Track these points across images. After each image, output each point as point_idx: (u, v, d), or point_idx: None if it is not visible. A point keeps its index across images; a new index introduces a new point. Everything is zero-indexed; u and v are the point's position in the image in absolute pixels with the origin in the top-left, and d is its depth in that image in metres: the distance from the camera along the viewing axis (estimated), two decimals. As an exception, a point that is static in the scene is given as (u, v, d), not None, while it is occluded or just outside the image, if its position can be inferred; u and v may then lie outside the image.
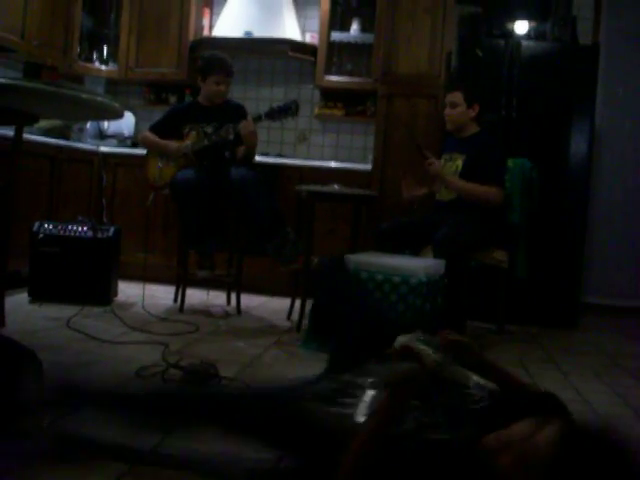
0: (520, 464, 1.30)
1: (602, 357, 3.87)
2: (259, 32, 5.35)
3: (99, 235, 4.14)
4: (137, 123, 5.78)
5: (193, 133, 4.21)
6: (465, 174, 3.88)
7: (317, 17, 5.55)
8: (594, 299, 5.44)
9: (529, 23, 4.85)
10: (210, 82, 4.20)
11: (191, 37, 5.53)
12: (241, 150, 4.17)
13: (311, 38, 5.55)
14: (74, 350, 3.01)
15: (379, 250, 3.77)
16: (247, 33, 5.36)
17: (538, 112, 4.68)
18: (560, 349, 3.97)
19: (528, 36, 4.82)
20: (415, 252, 3.90)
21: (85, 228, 4.15)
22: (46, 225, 4.14)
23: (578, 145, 4.67)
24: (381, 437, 1.47)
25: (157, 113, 5.71)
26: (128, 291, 4.47)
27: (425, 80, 4.94)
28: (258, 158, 4.72)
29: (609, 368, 3.58)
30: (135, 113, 5.77)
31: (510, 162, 4.19)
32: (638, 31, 5.51)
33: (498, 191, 3.83)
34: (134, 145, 5.60)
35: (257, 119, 4.07)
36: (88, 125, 5.46)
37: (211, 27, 5.74)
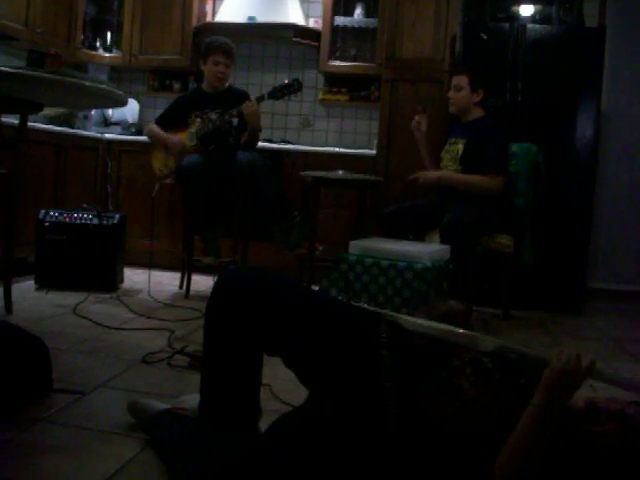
0: (625, 431, 1.42)
1: (608, 342, 3.86)
2: (262, 17, 5.33)
3: (104, 222, 4.15)
4: (141, 110, 5.78)
5: (198, 120, 4.21)
6: (465, 158, 3.88)
7: (321, 2, 5.52)
8: (600, 284, 5.44)
9: (534, 6, 4.81)
10: (210, 63, 4.22)
11: (194, 23, 5.51)
12: (245, 135, 4.17)
13: (315, 23, 5.52)
14: (81, 337, 3.02)
15: (383, 235, 3.77)
16: (250, 18, 5.33)
17: (544, 96, 4.65)
18: (566, 334, 3.97)
19: (533, 19, 4.79)
20: (419, 237, 3.90)
21: (90, 215, 4.15)
22: (52, 213, 4.15)
23: (584, 129, 4.64)
24: (545, 441, 1.37)
25: (161, 100, 5.73)
26: (134, 278, 4.49)
27: (429, 64, 4.92)
28: (262, 144, 4.72)
29: (615, 353, 3.57)
30: (139, 100, 5.76)
31: (516, 147, 4.17)
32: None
33: (496, 180, 3.81)
34: (138, 132, 5.60)
35: (260, 99, 4.09)
36: (92, 112, 5.45)
37: (214, 13, 5.71)
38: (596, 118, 4.64)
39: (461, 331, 1.55)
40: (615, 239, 5.55)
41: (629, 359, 3.47)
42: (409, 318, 1.62)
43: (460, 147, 3.94)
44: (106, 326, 3.24)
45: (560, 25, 4.75)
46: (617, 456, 1.46)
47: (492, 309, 4.33)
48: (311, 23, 5.55)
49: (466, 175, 3.86)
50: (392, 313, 1.66)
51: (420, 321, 1.59)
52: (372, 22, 5.38)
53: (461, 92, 3.97)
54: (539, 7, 4.81)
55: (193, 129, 4.20)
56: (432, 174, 3.96)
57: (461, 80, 3.97)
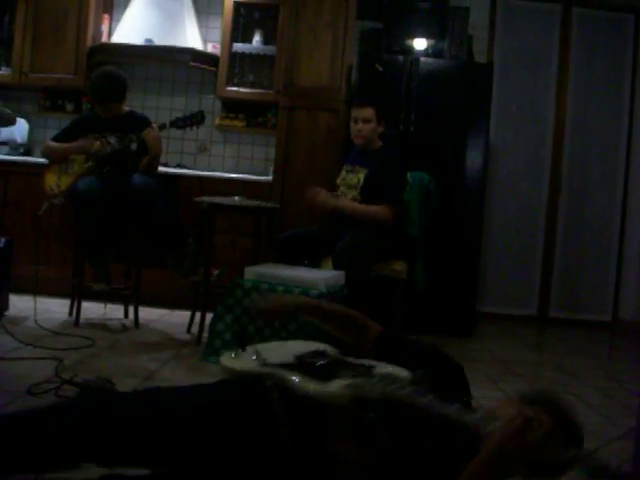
0: None
1: (497, 364, 4.01)
2: (160, 40, 5.27)
3: (-12, 247, 3.96)
4: (31, 130, 5.57)
5: (97, 143, 4.12)
6: (366, 188, 3.95)
7: (219, 27, 5.52)
8: (489, 308, 5.64)
9: (427, 40, 4.99)
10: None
11: (89, 43, 5.37)
12: (145, 160, 4.11)
13: (213, 48, 5.51)
14: (-40, 368, 2.87)
15: (279, 261, 3.78)
16: (147, 41, 5.26)
17: (436, 127, 4.82)
18: (457, 357, 3.99)
19: (426, 53, 4.96)
20: (315, 263, 3.93)
21: (-27, 239, 3.96)
22: None
23: (474, 159, 4.83)
24: None
25: (52, 120, 5.55)
26: (20, 305, 4.28)
27: (326, 93, 4.99)
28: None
29: (504, 374, 3.72)
30: (29, 120, 5.56)
31: (409, 175, 4.28)
32: (529, 51, 5.78)
33: (388, 210, 3.87)
34: (27, 153, 5.39)
35: (162, 127, 4.08)
36: (-23, 132, 5.22)
37: (110, 33, 5.60)
38: (485, 149, 4.84)
39: (346, 391, 1.47)
40: (503, 265, 5.78)
41: (516, 380, 3.62)
42: (297, 384, 1.53)
43: (361, 177, 3.99)
44: (-12, 356, 3.09)
45: (451, 60, 4.95)
46: None
47: (386, 334, 4.39)
48: (209, 48, 5.53)
49: (361, 206, 3.92)
50: (279, 375, 1.56)
51: (306, 385, 1.51)
52: (270, 49, 5.43)
53: (370, 124, 4.02)
54: (432, 42, 4.99)
55: (91, 150, 4.10)
56: (329, 203, 3.98)
57: (368, 112, 4.01)
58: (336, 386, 1.47)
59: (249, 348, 1.78)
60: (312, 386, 1.49)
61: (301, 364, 1.59)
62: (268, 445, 1.46)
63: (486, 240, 5.42)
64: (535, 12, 5.79)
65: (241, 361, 1.69)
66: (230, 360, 1.71)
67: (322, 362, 1.59)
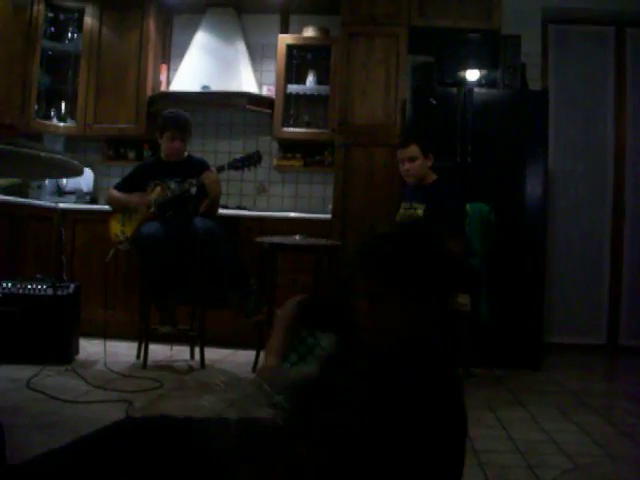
0: None
1: (568, 396, 3.90)
2: (216, 86, 5.42)
3: (59, 292, 4.08)
4: (96, 179, 5.77)
5: (158, 189, 4.22)
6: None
7: (273, 70, 5.64)
8: (556, 338, 5.51)
9: (480, 71, 4.99)
10: (165, 138, 4.26)
11: (149, 92, 5.56)
12: (205, 203, 4.19)
13: (268, 91, 5.63)
14: (35, 411, 2.93)
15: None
16: (204, 87, 5.41)
17: (493, 157, 4.78)
18: (526, 390, 4.00)
19: (479, 83, 4.96)
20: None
21: (45, 286, 4.08)
22: (4, 284, 4.07)
23: (533, 187, 4.76)
24: None
25: (115, 168, 5.73)
26: (90, 349, 4.40)
27: (381, 129, 5.03)
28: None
29: (575, 407, 3.61)
30: (94, 169, 5.75)
31: (468, 207, 4.26)
32: (584, 75, 5.71)
33: (458, 243, 3.84)
34: (93, 201, 5.57)
35: (220, 169, 4.17)
36: (46, 182, 5.42)
37: (169, 82, 5.78)
38: (544, 176, 4.78)
39: None
40: (569, 293, 5.65)
41: (589, 412, 3.50)
42: None
43: (420, 212, 3.98)
44: (61, 399, 3.15)
45: (505, 89, 4.94)
46: None
47: (452, 368, 4.32)
48: (264, 91, 5.65)
49: None
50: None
51: None
52: (324, 89, 5.51)
53: (416, 162, 4.03)
54: (484, 72, 4.99)
55: (152, 197, 4.21)
56: None
57: (413, 150, 4.02)
58: None
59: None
60: None
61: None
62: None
63: (550, 269, 5.32)
64: (588, 36, 5.74)
65: None
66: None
67: None
